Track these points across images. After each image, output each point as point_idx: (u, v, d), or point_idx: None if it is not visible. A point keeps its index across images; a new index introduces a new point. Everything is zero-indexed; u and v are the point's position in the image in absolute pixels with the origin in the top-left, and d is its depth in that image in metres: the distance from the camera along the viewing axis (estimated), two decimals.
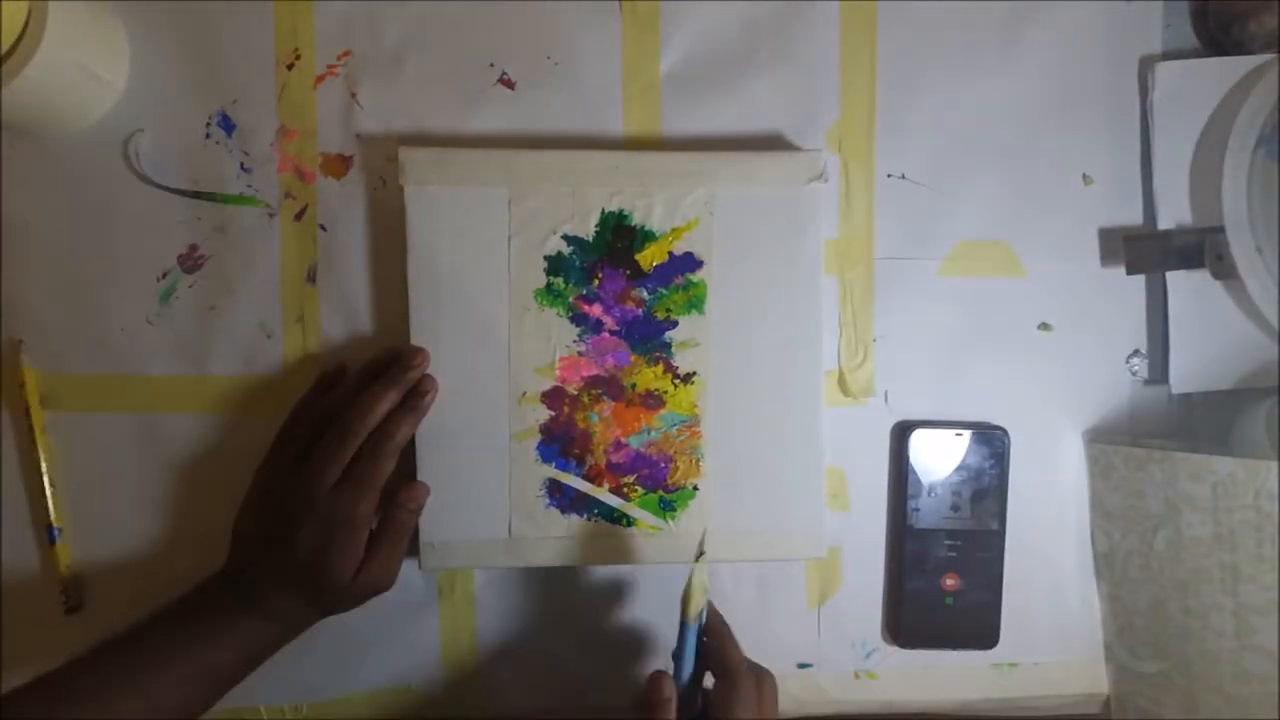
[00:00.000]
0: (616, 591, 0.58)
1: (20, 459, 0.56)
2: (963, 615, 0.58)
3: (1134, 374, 0.59)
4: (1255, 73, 0.55)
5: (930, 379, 0.59)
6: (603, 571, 0.58)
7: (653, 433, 0.55)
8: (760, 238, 0.55)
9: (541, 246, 0.55)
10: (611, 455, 0.55)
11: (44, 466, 0.56)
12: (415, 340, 0.54)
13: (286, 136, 0.56)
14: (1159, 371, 0.59)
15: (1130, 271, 0.57)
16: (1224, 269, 0.54)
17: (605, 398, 0.55)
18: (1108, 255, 0.58)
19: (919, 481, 0.58)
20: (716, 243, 0.55)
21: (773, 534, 0.56)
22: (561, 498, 0.55)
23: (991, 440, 0.58)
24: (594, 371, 0.55)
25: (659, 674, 0.48)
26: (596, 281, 0.55)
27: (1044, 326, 0.59)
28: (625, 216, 0.55)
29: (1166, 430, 0.59)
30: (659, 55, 0.57)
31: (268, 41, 0.56)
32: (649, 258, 0.55)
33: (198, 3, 0.56)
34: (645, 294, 0.55)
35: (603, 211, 0.55)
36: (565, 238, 0.55)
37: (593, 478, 0.55)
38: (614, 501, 0.55)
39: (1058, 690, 0.60)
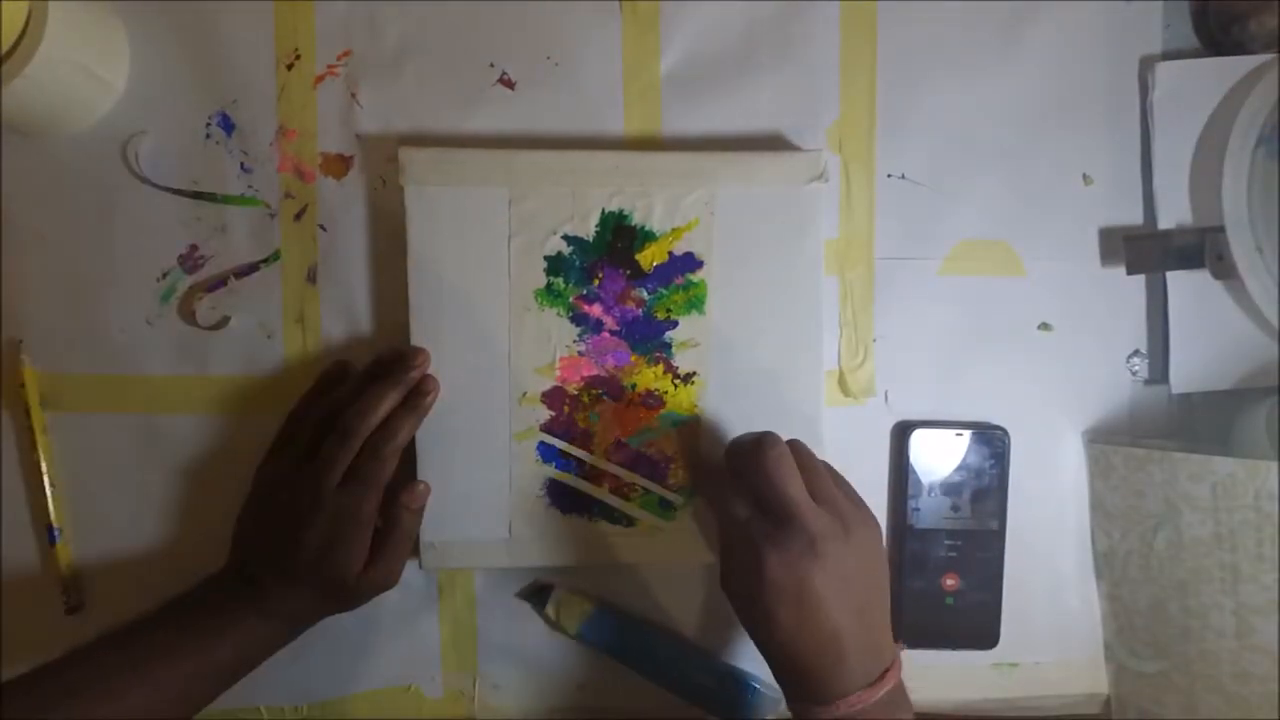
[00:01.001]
0: (616, 592, 0.58)
1: (20, 459, 0.56)
2: (963, 615, 0.58)
3: (1134, 374, 0.59)
4: (1255, 73, 0.55)
5: (930, 379, 0.59)
6: (602, 571, 0.58)
7: (653, 433, 0.55)
8: (760, 238, 0.55)
9: (542, 246, 0.55)
10: (611, 455, 0.55)
11: (44, 466, 0.56)
12: (415, 340, 0.54)
13: (286, 136, 0.56)
14: (1159, 371, 0.59)
15: (1130, 271, 0.57)
16: (1224, 269, 0.54)
17: (605, 398, 0.55)
18: (1108, 255, 0.58)
19: (919, 481, 0.58)
20: (716, 243, 0.55)
21: None
22: (561, 498, 0.55)
23: (991, 440, 0.58)
24: (594, 372, 0.55)
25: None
26: (597, 281, 0.55)
27: (1044, 326, 0.59)
28: (625, 216, 0.55)
29: (1166, 430, 0.59)
30: (659, 55, 0.57)
31: (268, 41, 0.56)
32: (649, 258, 0.55)
33: (198, 3, 0.56)
34: (645, 294, 0.55)
35: (603, 211, 0.55)
36: (565, 238, 0.55)
37: (593, 478, 0.55)
38: (614, 501, 0.55)
39: (1058, 690, 0.60)
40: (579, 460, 0.55)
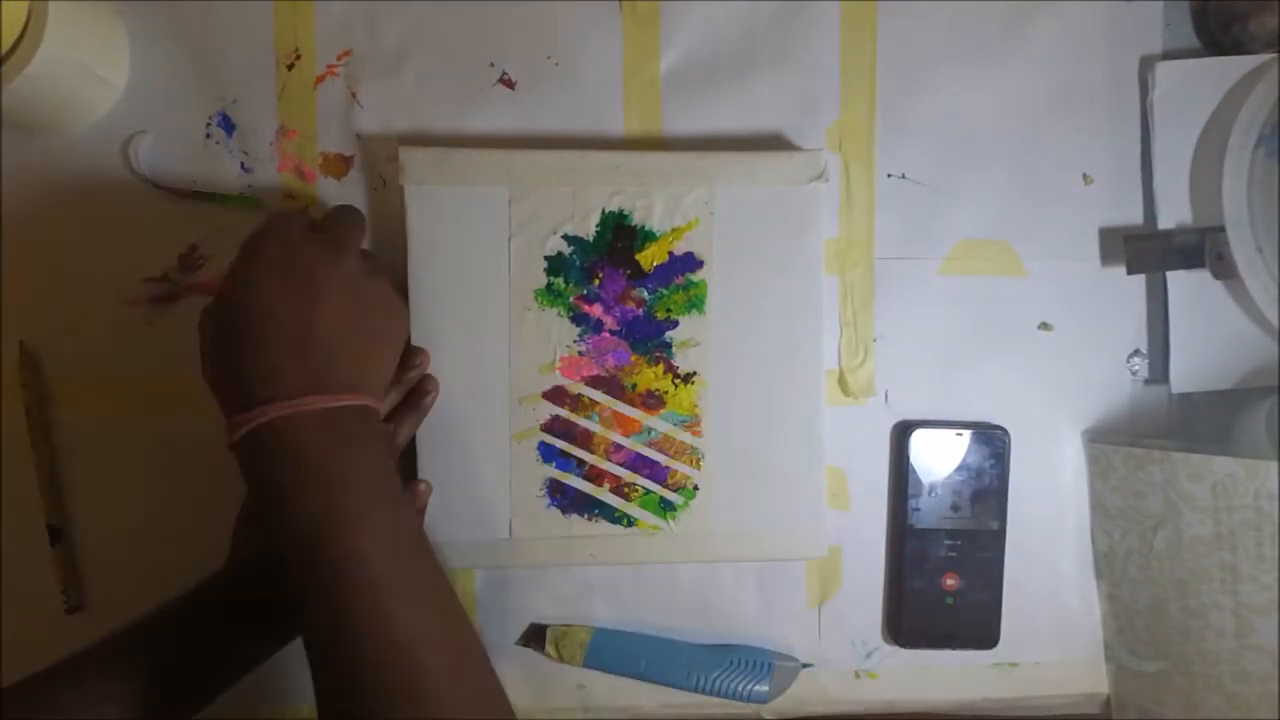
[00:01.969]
0: (616, 592, 0.58)
1: (21, 460, 0.56)
2: (963, 615, 0.58)
3: (1134, 374, 0.59)
4: (1255, 73, 0.55)
5: (930, 379, 0.59)
6: (602, 571, 0.58)
7: (653, 433, 0.55)
8: (761, 237, 0.55)
9: (542, 246, 0.55)
10: (612, 455, 0.55)
11: (44, 466, 0.56)
12: (415, 340, 0.54)
13: (287, 136, 0.56)
14: (1159, 371, 0.59)
15: (1130, 271, 0.57)
16: (1224, 269, 0.54)
17: (606, 398, 0.55)
18: (1108, 255, 0.58)
19: (919, 481, 0.58)
20: (717, 242, 0.55)
21: (773, 534, 0.56)
22: (562, 498, 0.55)
23: (991, 440, 0.58)
24: (594, 371, 0.55)
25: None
26: (597, 281, 0.55)
27: (1044, 326, 0.59)
28: (625, 216, 0.55)
29: (1166, 430, 0.59)
30: (659, 55, 0.57)
31: (268, 41, 0.56)
32: (649, 257, 0.55)
33: (198, 3, 0.56)
34: (645, 294, 0.55)
35: (603, 211, 0.55)
36: (565, 238, 0.55)
37: (593, 478, 0.55)
38: (614, 501, 0.55)
39: (1058, 690, 0.60)
40: (579, 460, 0.55)
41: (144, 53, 0.56)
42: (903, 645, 0.59)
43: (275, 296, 0.44)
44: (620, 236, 0.55)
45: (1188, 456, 0.52)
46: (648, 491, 0.55)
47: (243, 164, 0.56)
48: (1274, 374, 0.56)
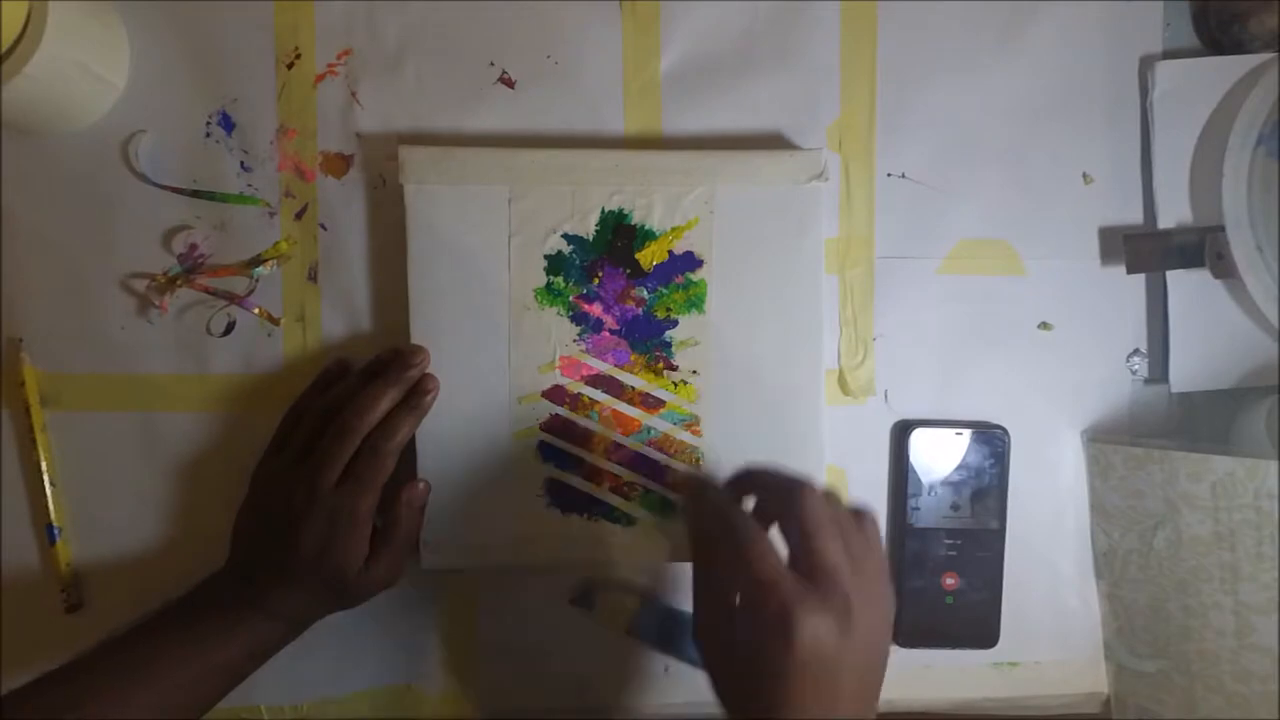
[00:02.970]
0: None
1: (20, 459, 0.56)
2: (963, 614, 0.58)
3: (1134, 373, 0.59)
4: (1255, 72, 0.55)
5: (930, 378, 0.59)
6: (601, 571, 0.58)
7: (653, 432, 0.55)
8: (761, 237, 0.55)
9: (542, 245, 0.55)
10: (611, 455, 0.55)
11: (44, 466, 0.56)
12: (415, 339, 0.54)
13: (286, 135, 0.56)
14: (1159, 371, 0.59)
15: (1130, 270, 0.57)
16: (1224, 268, 0.54)
17: (605, 397, 0.55)
18: (1108, 254, 0.58)
19: (919, 481, 0.58)
20: (717, 242, 0.55)
21: (773, 533, 0.56)
22: (561, 497, 0.55)
23: (991, 440, 0.58)
24: (594, 371, 0.55)
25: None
26: (597, 281, 0.55)
27: (1044, 326, 0.59)
28: (625, 215, 0.55)
29: (1166, 430, 0.59)
30: (659, 55, 0.57)
31: (268, 41, 0.56)
32: (649, 257, 0.55)
33: (198, 2, 0.56)
34: (645, 293, 0.55)
35: (603, 210, 0.55)
36: (565, 237, 0.55)
37: (593, 477, 0.55)
38: (614, 501, 0.55)
39: (1058, 690, 0.60)
40: (579, 459, 0.55)
41: (144, 53, 0.56)
42: (902, 645, 0.59)
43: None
44: (620, 235, 0.55)
45: (1187, 456, 0.52)
46: (648, 491, 0.55)
47: (242, 163, 0.56)
48: (1274, 374, 0.56)
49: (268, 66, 0.56)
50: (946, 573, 0.58)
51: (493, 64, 0.57)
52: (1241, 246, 0.53)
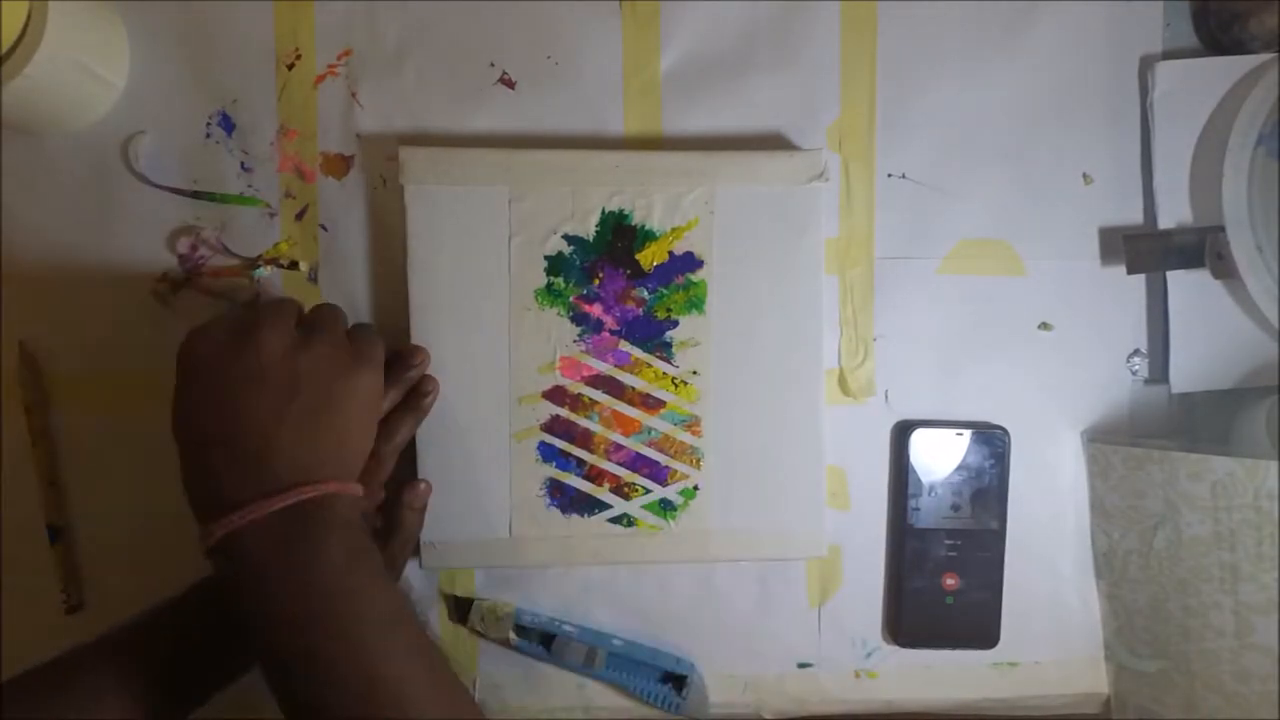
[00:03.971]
0: (616, 592, 0.58)
1: (20, 459, 0.56)
2: (963, 615, 0.58)
3: (1134, 373, 0.59)
4: (1255, 72, 0.55)
5: (930, 378, 0.59)
6: (602, 571, 0.58)
7: (653, 433, 0.55)
8: (761, 237, 0.55)
9: (542, 246, 0.55)
10: (611, 455, 0.55)
11: (44, 466, 0.56)
12: (415, 340, 0.54)
13: (287, 136, 0.56)
14: (1159, 371, 0.59)
15: (1130, 271, 0.57)
16: (1224, 268, 0.54)
17: (605, 397, 0.55)
18: (1108, 254, 0.58)
19: (919, 481, 0.58)
20: (717, 242, 0.55)
21: (773, 533, 0.56)
22: (562, 498, 0.55)
23: (991, 440, 0.58)
24: (594, 371, 0.55)
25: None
26: (597, 281, 0.55)
27: (1044, 326, 0.59)
28: (625, 216, 0.55)
29: (1166, 430, 0.59)
30: (659, 55, 0.57)
31: (268, 41, 0.56)
32: (649, 257, 0.55)
33: (198, 3, 0.56)
34: (645, 293, 0.55)
35: (603, 211, 0.55)
36: (565, 237, 0.55)
37: (593, 478, 0.55)
38: (614, 501, 0.55)
39: (1058, 690, 0.60)
40: (579, 460, 0.55)
41: (144, 53, 0.56)
42: (902, 645, 0.59)
43: (202, 412, 0.45)
44: (620, 236, 0.55)
45: (1187, 456, 0.52)
46: (648, 491, 0.55)
47: (243, 163, 0.56)
48: (1274, 374, 0.56)
49: (268, 67, 0.56)
50: (946, 573, 0.58)
51: (493, 64, 0.57)
52: (1241, 246, 0.53)
